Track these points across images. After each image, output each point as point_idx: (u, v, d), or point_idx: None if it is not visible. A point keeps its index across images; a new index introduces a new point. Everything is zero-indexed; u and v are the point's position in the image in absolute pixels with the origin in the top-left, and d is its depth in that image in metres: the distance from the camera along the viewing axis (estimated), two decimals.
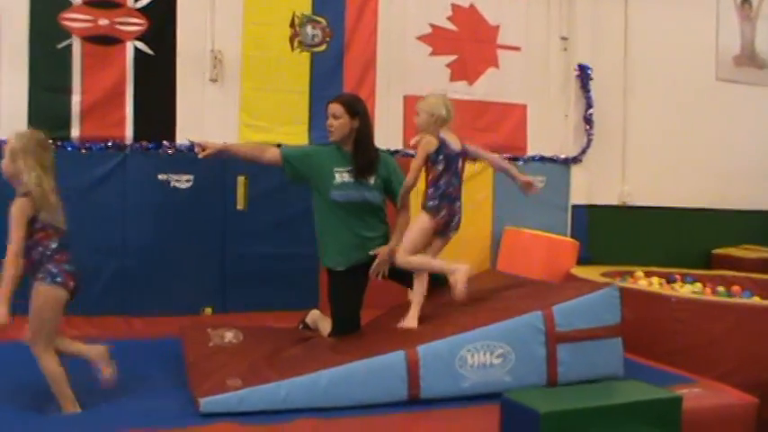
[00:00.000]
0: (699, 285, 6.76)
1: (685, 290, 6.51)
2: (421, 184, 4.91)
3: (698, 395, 4.24)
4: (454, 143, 4.86)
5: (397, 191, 5.13)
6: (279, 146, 5.23)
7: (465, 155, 4.92)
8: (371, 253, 5.04)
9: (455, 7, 7.54)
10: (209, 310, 6.51)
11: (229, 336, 5.03)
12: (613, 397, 3.65)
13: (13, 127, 6.04)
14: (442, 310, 4.76)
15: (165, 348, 5.05)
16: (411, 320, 4.69)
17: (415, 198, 5.05)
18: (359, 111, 5.17)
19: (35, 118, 6.17)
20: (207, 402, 3.74)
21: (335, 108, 5.12)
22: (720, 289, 6.59)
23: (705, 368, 4.98)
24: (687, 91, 8.49)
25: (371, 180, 5.12)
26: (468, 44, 7.59)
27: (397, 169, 5.28)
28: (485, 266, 7.16)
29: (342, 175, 5.06)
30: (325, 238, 5.14)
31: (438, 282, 5.06)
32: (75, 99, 6.32)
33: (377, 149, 5.29)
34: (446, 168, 4.81)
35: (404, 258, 4.81)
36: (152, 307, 6.28)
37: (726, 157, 8.73)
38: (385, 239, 5.16)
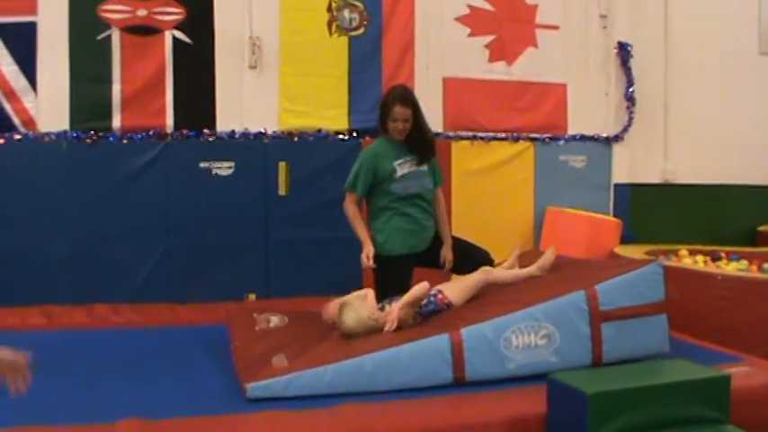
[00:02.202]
0: (744, 263, 6.68)
1: (731, 267, 6.44)
2: None
3: (746, 373, 4.17)
4: None
5: (438, 178, 5.27)
6: (350, 190, 5.13)
7: None
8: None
9: None
10: (252, 297, 6.55)
11: (275, 320, 5.04)
12: (661, 377, 3.61)
13: (55, 117, 6.17)
14: (485, 292, 4.76)
15: (209, 335, 5.08)
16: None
17: None
18: (417, 103, 5.14)
19: (76, 108, 6.26)
20: (253, 388, 3.75)
21: (408, 113, 5.02)
22: (766, 266, 6.50)
23: (752, 346, 4.93)
24: (729, 66, 8.33)
25: (425, 167, 5.13)
26: (507, 24, 7.52)
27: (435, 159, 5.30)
28: (528, 247, 7.13)
29: (402, 167, 5.05)
30: (386, 226, 5.08)
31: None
32: (116, 89, 6.39)
33: (430, 129, 5.30)
34: None
35: None
36: (196, 294, 6.35)
37: None
38: (435, 226, 5.22)
